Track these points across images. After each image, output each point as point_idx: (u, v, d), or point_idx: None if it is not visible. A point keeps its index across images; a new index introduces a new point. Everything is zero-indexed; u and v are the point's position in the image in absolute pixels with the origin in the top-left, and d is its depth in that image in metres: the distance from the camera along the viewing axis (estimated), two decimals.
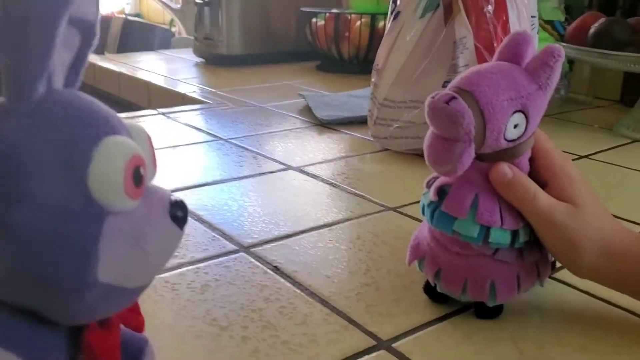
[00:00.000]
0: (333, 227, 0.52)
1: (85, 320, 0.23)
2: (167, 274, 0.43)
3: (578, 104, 1.02)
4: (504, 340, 0.36)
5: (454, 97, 0.32)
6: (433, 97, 0.32)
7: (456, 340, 0.36)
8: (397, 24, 0.67)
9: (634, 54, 0.74)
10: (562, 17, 0.87)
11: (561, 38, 0.86)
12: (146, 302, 0.40)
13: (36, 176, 0.20)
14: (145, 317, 0.38)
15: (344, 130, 0.83)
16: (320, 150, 0.75)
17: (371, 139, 0.76)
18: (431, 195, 0.36)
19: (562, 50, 0.34)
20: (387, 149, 0.73)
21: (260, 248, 0.48)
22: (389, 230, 0.51)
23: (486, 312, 0.37)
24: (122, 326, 0.30)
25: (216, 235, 0.50)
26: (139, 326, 0.27)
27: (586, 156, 0.73)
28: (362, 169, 0.68)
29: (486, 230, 0.34)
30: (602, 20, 0.78)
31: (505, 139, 0.33)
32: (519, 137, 0.34)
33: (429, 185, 0.37)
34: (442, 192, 0.35)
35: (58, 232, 0.20)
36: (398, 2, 0.68)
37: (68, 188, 0.20)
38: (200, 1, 1.33)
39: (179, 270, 0.44)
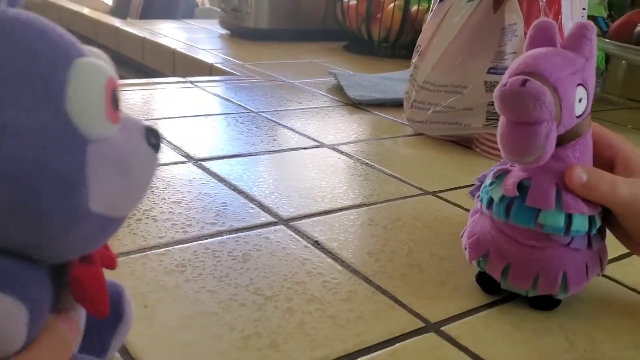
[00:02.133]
0: (371, 207, 0.51)
1: (76, 254, 0.22)
2: (207, 241, 0.43)
3: (611, 104, 1.00)
4: (553, 330, 0.35)
5: (526, 79, 0.31)
6: (504, 85, 0.31)
7: (505, 328, 0.35)
8: (444, 6, 0.66)
9: None
10: (604, 13, 0.86)
11: (603, 34, 0.84)
12: (187, 267, 0.39)
13: (12, 105, 0.19)
14: (186, 281, 0.38)
15: (375, 112, 0.82)
16: (352, 130, 0.73)
17: (404, 122, 0.75)
18: (509, 190, 0.34)
19: (592, 24, 0.34)
20: (421, 134, 0.72)
21: (299, 222, 0.47)
22: (429, 214, 0.50)
23: (544, 304, 0.37)
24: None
25: (254, 206, 0.49)
26: (111, 264, 0.26)
27: None
28: (396, 152, 0.67)
29: (568, 218, 0.33)
30: None
31: (575, 115, 0.33)
32: (583, 113, 0.33)
33: (495, 177, 0.36)
34: (521, 187, 0.34)
35: (42, 162, 0.19)
36: None
37: (46, 115, 0.19)
38: None
39: (219, 237, 0.43)
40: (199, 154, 0.60)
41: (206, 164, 0.57)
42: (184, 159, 0.58)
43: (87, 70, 0.20)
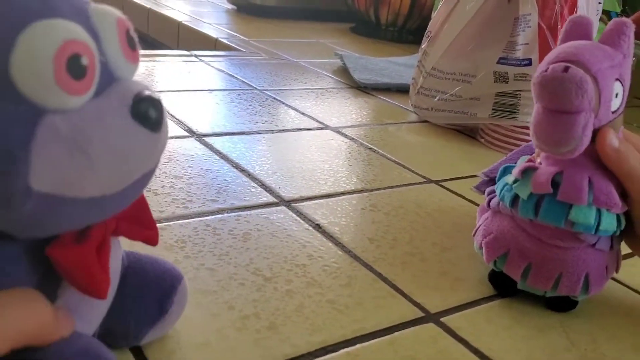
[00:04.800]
0: (374, 192, 0.51)
1: (38, 233, 0.20)
2: (207, 218, 0.42)
3: None
4: (555, 327, 0.35)
5: (568, 66, 0.30)
6: (545, 71, 0.30)
7: (506, 323, 0.35)
8: None
9: None
10: (618, 9, 0.84)
11: None
12: (187, 243, 0.38)
13: None
14: (186, 257, 0.37)
15: (380, 96, 0.81)
16: (356, 113, 0.73)
17: (410, 108, 0.75)
18: (543, 187, 0.33)
19: (630, 21, 0.34)
20: (425, 121, 0.71)
21: (300, 204, 0.46)
22: (431, 203, 0.50)
23: (562, 305, 0.36)
24: (157, 261, 0.29)
25: (256, 186, 0.48)
26: (149, 239, 0.25)
27: None
28: (400, 138, 0.66)
29: (598, 216, 0.33)
30: None
31: (611, 111, 0.32)
32: (617, 110, 0.33)
33: (522, 173, 0.34)
34: (553, 183, 0.33)
35: None
36: None
37: None
38: None
39: (220, 215, 0.43)
40: (201, 129, 0.59)
41: (209, 139, 0.57)
42: (187, 134, 0.57)
43: (38, 33, 0.17)
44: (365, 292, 0.36)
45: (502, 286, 0.37)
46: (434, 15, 0.71)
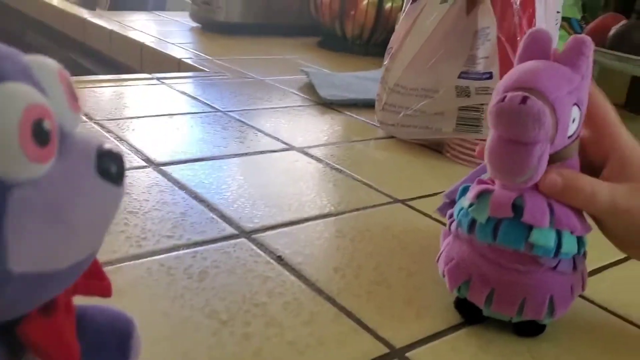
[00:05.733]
0: (340, 216, 0.49)
1: (11, 316, 0.19)
2: (162, 256, 0.40)
3: None
4: (522, 353, 0.34)
5: (527, 97, 0.29)
6: (501, 100, 0.29)
7: (472, 351, 0.34)
8: (417, 6, 0.64)
9: None
10: (578, 15, 0.85)
11: None
12: (139, 286, 0.37)
13: None
14: (138, 302, 0.35)
15: (347, 112, 0.80)
16: (323, 131, 0.71)
17: (376, 124, 0.74)
18: (504, 211, 0.32)
19: (590, 39, 0.32)
20: (392, 137, 0.71)
21: (262, 234, 0.45)
22: (398, 224, 0.49)
23: (529, 330, 0.35)
24: (105, 309, 0.27)
25: (215, 217, 0.47)
26: (104, 291, 0.23)
27: None
28: (367, 155, 0.65)
29: (558, 239, 0.32)
30: (623, 22, 0.76)
31: (567, 136, 0.31)
32: (574, 133, 0.32)
33: (477, 197, 0.33)
34: (515, 207, 0.32)
35: None
36: None
37: None
38: None
39: (175, 252, 0.41)
40: (159, 158, 0.57)
41: (167, 168, 0.55)
42: (144, 164, 0.56)
43: None
44: (327, 329, 0.35)
45: (468, 313, 0.36)
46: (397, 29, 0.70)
